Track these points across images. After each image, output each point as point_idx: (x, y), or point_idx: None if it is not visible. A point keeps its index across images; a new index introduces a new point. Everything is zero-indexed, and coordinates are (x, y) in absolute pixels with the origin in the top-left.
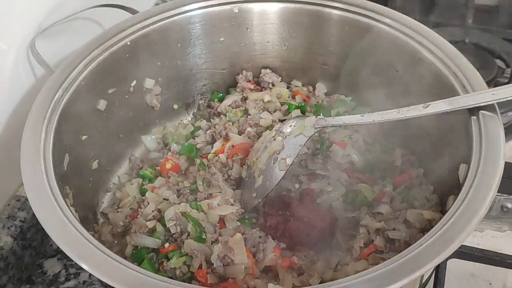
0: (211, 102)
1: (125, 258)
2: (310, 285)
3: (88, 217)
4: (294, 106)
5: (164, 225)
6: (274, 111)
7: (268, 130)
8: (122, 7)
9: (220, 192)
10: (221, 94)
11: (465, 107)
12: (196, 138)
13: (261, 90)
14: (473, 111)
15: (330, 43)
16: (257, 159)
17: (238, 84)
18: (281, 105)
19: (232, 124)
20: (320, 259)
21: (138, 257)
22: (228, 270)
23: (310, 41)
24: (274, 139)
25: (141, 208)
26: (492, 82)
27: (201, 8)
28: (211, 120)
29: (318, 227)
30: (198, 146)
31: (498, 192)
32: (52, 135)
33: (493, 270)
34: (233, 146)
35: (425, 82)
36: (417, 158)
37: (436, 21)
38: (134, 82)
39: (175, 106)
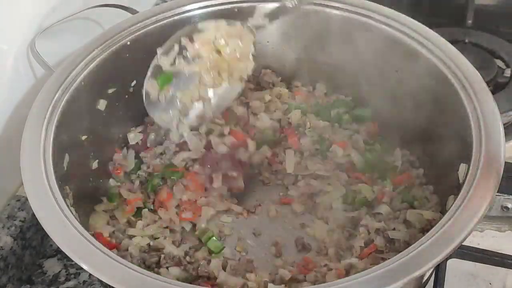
0: None
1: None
2: (311, 284)
3: None
4: (294, 106)
5: None
6: (274, 111)
7: None
8: (122, 7)
9: None
10: None
11: None
12: None
13: (261, 90)
14: (473, 111)
15: (330, 43)
16: None
17: None
18: (281, 105)
19: None
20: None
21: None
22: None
23: (310, 41)
24: None
25: None
26: (492, 82)
27: (201, 8)
28: None
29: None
30: None
31: (498, 192)
32: (52, 135)
33: (493, 270)
34: None
35: (425, 82)
36: (417, 158)
37: (436, 21)
38: (134, 82)
39: None
